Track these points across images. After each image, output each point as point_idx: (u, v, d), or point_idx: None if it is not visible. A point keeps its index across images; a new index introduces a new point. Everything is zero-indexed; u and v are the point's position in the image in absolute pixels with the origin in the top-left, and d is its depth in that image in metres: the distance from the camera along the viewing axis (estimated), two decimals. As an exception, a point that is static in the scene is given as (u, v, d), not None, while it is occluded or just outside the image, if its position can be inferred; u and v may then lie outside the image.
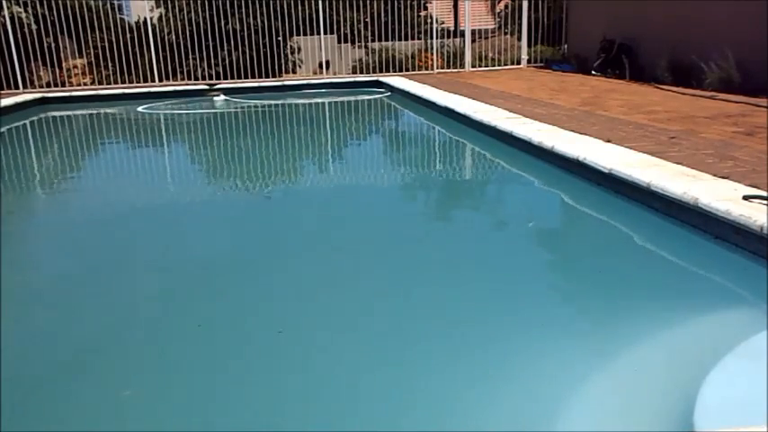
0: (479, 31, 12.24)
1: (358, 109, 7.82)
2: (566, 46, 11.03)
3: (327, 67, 11.34)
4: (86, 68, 11.08)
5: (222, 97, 9.04)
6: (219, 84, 9.74)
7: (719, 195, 2.58)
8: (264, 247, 3.04)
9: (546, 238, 3.14)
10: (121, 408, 1.69)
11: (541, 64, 10.87)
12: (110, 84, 10.39)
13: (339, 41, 11.56)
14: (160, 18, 11.19)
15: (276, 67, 11.02)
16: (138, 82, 10.40)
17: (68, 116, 8.41)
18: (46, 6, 10.28)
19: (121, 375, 1.86)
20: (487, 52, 11.52)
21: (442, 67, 10.79)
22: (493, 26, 13.35)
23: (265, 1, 10.85)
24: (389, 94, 8.62)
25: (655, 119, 4.78)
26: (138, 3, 11.24)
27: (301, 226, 3.35)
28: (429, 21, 12.42)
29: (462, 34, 11.10)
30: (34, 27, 10.10)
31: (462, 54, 10.88)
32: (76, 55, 11.03)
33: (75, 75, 11.02)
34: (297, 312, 2.27)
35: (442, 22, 12.76)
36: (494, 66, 10.96)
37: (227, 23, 10.83)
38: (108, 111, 8.36)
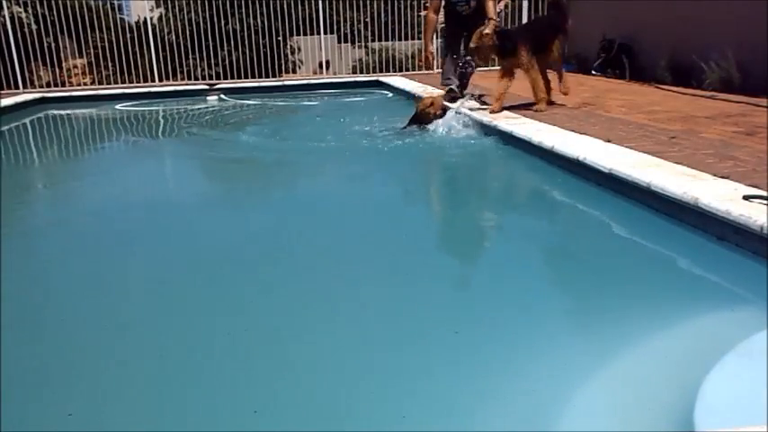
0: (479, 30, 12.21)
1: (353, 108, 7.80)
2: (566, 46, 11.02)
3: (327, 67, 11.35)
4: (86, 68, 11.10)
5: (215, 97, 9.05)
6: (219, 83, 9.74)
7: (719, 195, 2.58)
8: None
9: (543, 236, 3.14)
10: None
11: (541, 64, 10.85)
12: (110, 84, 10.40)
13: (339, 41, 11.57)
14: (160, 18, 11.20)
15: (276, 67, 11.03)
16: (137, 82, 10.41)
17: (68, 115, 8.40)
18: (46, 6, 10.29)
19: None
20: (487, 52, 11.50)
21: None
22: (493, 26, 13.33)
23: (265, 1, 10.86)
24: (391, 95, 8.61)
25: (655, 119, 4.78)
26: (138, 3, 11.27)
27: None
28: (429, 20, 12.41)
29: (462, 34, 11.07)
30: (34, 27, 10.11)
31: (463, 54, 10.87)
32: (76, 55, 11.04)
33: (75, 75, 11.04)
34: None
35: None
36: (494, 65, 10.94)
37: (227, 23, 10.85)
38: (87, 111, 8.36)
